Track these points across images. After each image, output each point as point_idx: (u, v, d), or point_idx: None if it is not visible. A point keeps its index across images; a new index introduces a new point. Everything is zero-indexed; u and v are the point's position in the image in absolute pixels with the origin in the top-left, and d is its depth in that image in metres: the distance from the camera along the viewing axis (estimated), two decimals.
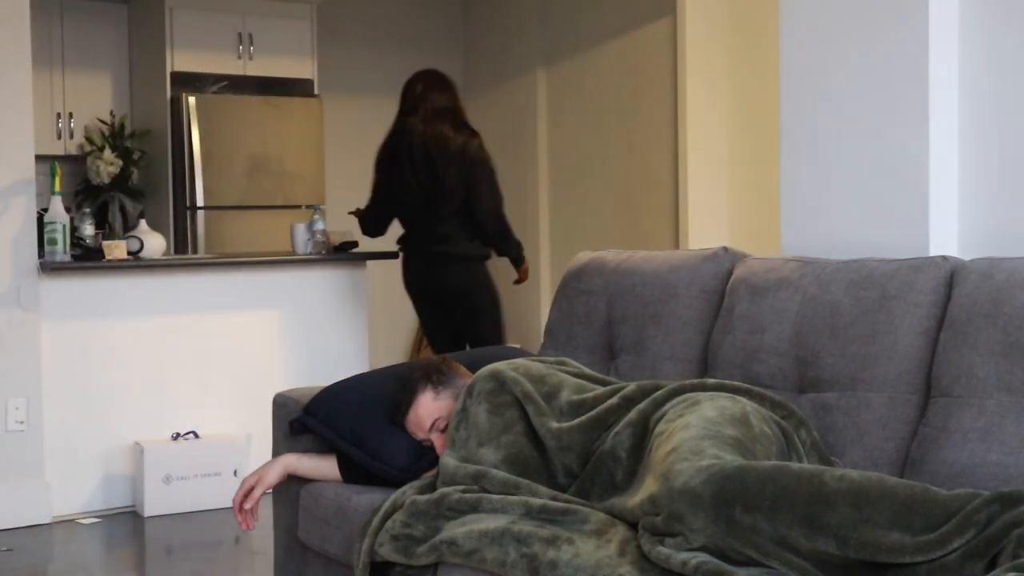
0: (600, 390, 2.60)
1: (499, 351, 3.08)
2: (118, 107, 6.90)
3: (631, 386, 2.56)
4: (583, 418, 2.51)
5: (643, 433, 2.41)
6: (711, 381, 2.51)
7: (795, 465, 2.05)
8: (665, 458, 2.15)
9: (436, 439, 2.71)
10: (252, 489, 2.81)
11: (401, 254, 5.00)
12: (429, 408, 2.72)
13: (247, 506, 2.81)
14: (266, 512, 3.07)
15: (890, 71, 2.80)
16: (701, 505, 1.99)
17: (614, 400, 2.52)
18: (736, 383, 2.51)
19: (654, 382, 2.57)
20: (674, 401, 2.43)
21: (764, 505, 1.97)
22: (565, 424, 2.52)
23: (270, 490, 2.92)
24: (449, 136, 4.75)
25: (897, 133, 2.79)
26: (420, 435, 2.73)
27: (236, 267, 5.02)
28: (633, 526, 2.21)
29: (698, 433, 2.19)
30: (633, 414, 2.44)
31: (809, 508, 1.95)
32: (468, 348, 4.64)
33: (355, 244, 5.26)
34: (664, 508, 2.04)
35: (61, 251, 4.52)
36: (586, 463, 2.48)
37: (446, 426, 2.69)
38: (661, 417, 2.40)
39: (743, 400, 2.39)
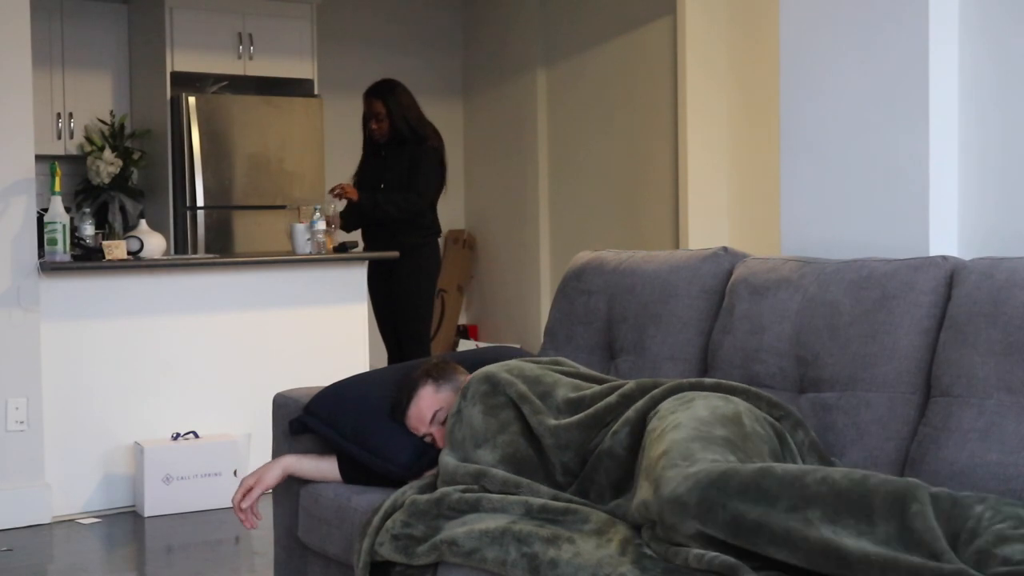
0: (597, 388, 2.59)
1: (499, 351, 3.08)
2: (118, 107, 6.90)
3: (630, 384, 2.54)
4: (581, 415, 2.50)
5: (641, 432, 2.40)
6: (709, 381, 2.50)
7: (779, 467, 2.02)
8: (656, 462, 2.15)
9: (437, 432, 2.71)
10: (251, 489, 2.81)
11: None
12: (430, 400, 2.73)
13: (244, 505, 2.81)
14: (266, 512, 3.07)
15: (890, 70, 2.80)
16: (688, 513, 1.99)
17: (612, 398, 2.51)
18: (734, 383, 2.49)
19: (653, 380, 2.55)
20: (670, 399, 2.43)
21: (749, 510, 1.95)
22: (563, 421, 2.51)
23: (269, 491, 2.92)
24: None
25: (897, 133, 2.79)
26: (422, 429, 2.74)
27: (236, 267, 5.02)
28: (635, 526, 2.21)
29: (688, 435, 2.19)
30: (631, 413, 2.43)
31: (790, 514, 1.93)
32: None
33: (355, 244, 5.27)
34: (656, 516, 2.06)
35: (61, 251, 4.52)
36: (584, 461, 2.47)
37: (447, 418, 2.70)
38: (656, 415, 2.39)
39: (736, 400, 2.38)
